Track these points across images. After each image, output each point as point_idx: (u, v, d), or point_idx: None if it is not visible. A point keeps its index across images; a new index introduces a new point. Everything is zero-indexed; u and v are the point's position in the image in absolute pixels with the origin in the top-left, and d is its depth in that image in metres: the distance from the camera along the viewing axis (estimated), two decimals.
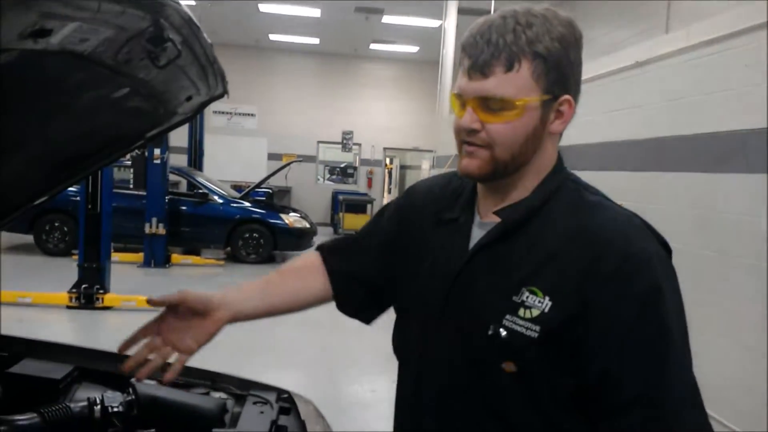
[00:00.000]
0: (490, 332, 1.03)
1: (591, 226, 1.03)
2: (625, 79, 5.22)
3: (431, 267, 1.18)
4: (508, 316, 1.02)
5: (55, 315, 6.47)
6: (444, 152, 11.92)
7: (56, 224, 9.50)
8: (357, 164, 17.49)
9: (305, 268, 1.43)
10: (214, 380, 1.84)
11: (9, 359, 1.70)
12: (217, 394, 1.77)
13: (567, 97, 1.07)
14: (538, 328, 1.00)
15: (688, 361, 0.99)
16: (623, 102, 5.22)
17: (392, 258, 1.30)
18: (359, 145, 17.04)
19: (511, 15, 1.02)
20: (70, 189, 8.58)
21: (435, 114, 13.41)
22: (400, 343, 1.27)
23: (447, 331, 1.12)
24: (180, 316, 1.23)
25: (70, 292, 6.62)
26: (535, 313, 1.01)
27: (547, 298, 1.01)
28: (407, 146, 17.42)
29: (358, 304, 1.39)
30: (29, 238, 9.62)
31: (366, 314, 1.41)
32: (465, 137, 1.07)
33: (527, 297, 1.02)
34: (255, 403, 1.72)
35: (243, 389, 1.81)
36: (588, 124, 5.40)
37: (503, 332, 1.02)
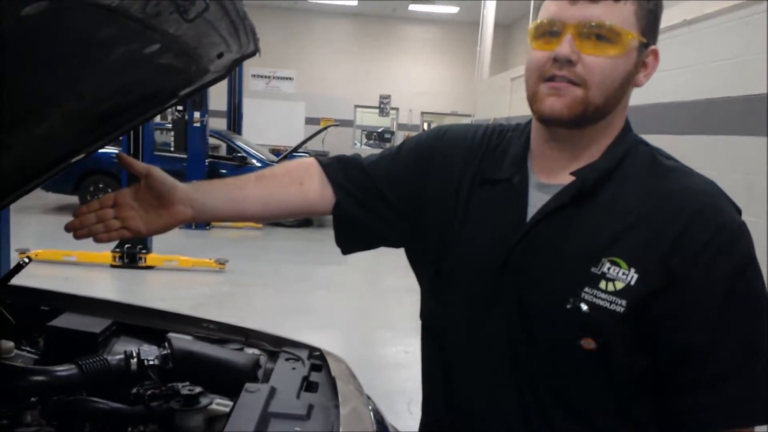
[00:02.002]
0: (568, 306, 0.96)
1: (677, 194, 0.96)
2: (673, 38, 5.03)
3: (482, 232, 1.07)
4: (587, 289, 0.95)
5: (99, 274, 6.66)
6: (482, 116, 11.77)
7: (100, 185, 9.71)
8: (394, 129, 17.41)
9: (296, 170, 1.25)
10: (247, 336, 1.88)
11: (50, 313, 1.76)
12: (250, 350, 1.81)
13: (654, 47, 1.00)
14: (624, 302, 0.93)
15: None
16: (670, 62, 5.04)
17: (416, 213, 1.17)
18: (396, 109, 16.94)
19: None
20: (114, 151, 8.75)
21: (474, 78, 13.21)
22: (437, 315, 1.16)
23: (505, 305, 1.03)
24: (141, 196, 1.13)
25: (113, 251, 6.80)
26: (620, 285, 0.94)
27: (632, 270, 0.93)
28: (445, 111, 17.24)
29: (360, 238, 1.26)
30: (74, 199, 9.87)
31: (357, 247, 1.28)
32: (556, 71, 0.95)
33: (609, 268, 0.94)
34: (287, 359, 1.75)
35: (276, 346, 1.84)
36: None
37: (584, 307, 0.95)
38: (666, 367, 0.95)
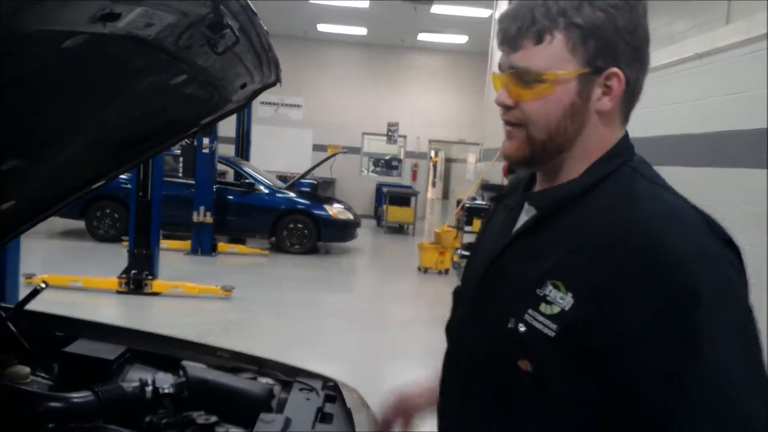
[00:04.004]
0: (509, 325, 0.96)
1: (627, 222, 0.91)
2: (684, 72, 5.08)
3: (481, 254, 1.14)
4: (530, 310, 0.94)
5: (105, 299, 6.64)
6: (491, 145, 11.81)
7: (107, 211, 9.74)
8: (402, 156, 17.48)
9: None
10: (261, 366, 1.87)
11: (65, 339, 1.76)
12: (264, 380, 1.80)
13: (614, 70, 0.96)
14: (555, 326, 0.91)
15: (722, 376, 0.83)
16: (681, 95, 5.08)
17: None
18: (404, 137, 17.00)
19: None
20: (122, 177, 8.78)
21: (482, 106, 13.30)
22: (447, 327, 1.23)
23: (474, 322, 1.07)
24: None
25: (119, 277, 6.77)
26: (555, 310, 0.92)
27: (569, 295, 0.91)
28: (453, 139, 17.31)
29: None
30: (81, 224, 9.89)
31: None
32: (502, 116, 1.02)
33: (550, 291, 0.93)
34: (301, 389, 1.74)
35: (289, 376, 1.83)
36: (644, 116, 5.26)
37: (522, 327, 0.95)
38: (609, 405, 0.89)
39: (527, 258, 1.01)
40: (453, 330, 1.18)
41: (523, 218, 1.08)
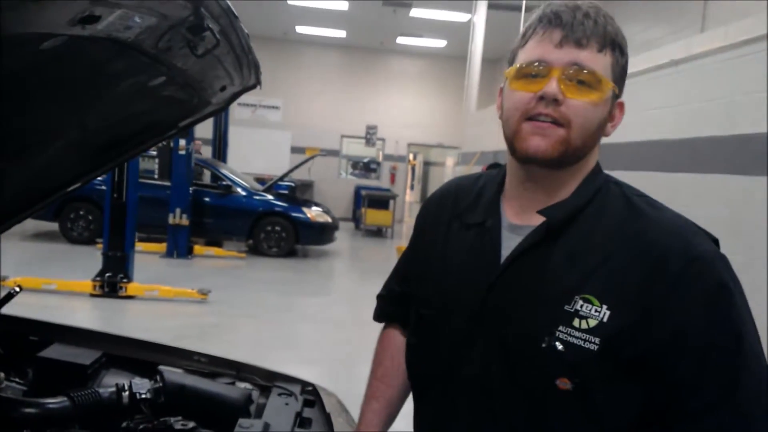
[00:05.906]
0: (543, 345, 0.95)
1: (647, 230, 0.96)
2: (660, 78, 5.14)
3: (459, 275, 1.09)
4: (561, 328, 0.95)
5: (79, 303, 6.54)
6: (469, 149, 11.87)
7: (81, 212, 9.59)
8: (380, 159, 17.47)
9: (389, 343, 1.36)
10: (239, 370, 1.85)
11: (39, 344, 1.73)
12: (242, 385, 1.78)
13: (621, 101, 1.05)
14: (597, 339, 0.92)
15: (761, 362, 0.93)
16: (658, 101, 5.14)
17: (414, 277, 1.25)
18: (383, 140, 17.01)
19: (592, 5, 1.00)
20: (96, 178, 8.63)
21: (461, 110, 13.34)
22: (422, 364, 1.17)
23: (484, 346, 1.03)
24: None
25: (94, 280, 6.67)
26: (593, 323, 0.93)
27: (604, 307, 0.93)
28: (432, 142, 17.35)
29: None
30: (54, 226, 9.74)
31: None
32: (541, 109, 0.97)
33: (581, 306, 0.94)
34: (280, 394, 1.73)
35: (268, 380, 1.82)
36: (621, 122, 5.31)
37: (559, 345, 0.94)
38: (652, 404, 0.94)
39: (539, 274, 1.00)
40: (442, 365, 1.10)
41: (510, 236, 1.06)
